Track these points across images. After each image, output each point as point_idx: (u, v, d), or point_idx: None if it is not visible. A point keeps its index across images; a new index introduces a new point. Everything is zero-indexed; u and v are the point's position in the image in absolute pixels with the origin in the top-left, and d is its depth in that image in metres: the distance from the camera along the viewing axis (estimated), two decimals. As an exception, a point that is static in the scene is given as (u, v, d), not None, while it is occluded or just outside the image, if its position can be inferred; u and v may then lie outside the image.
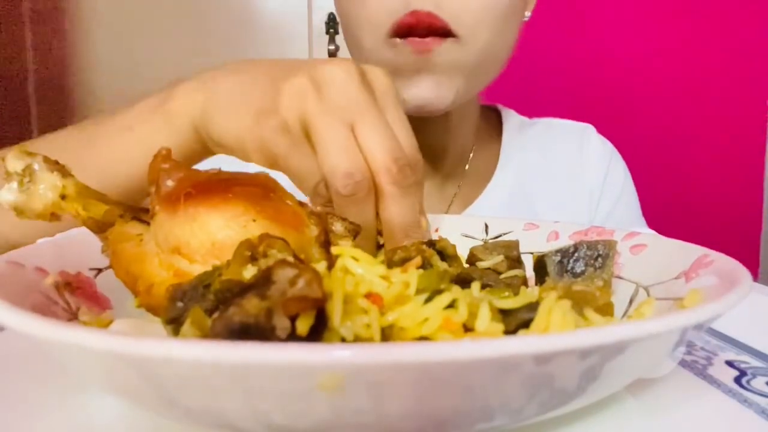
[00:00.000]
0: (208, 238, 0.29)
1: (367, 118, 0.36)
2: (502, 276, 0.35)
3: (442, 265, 0.33)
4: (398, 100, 0.39)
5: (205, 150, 0.45)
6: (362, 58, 0.62)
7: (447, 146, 0.71)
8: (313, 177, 0.36)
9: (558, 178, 0.75)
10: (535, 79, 1.54)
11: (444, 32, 0.56)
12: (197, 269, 0.28)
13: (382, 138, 0.35)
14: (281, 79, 0.38)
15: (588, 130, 0.80)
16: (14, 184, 0.30)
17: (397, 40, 0.58)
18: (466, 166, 0.74)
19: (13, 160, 0.30)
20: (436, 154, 0.71)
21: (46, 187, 0.30)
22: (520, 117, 0.81)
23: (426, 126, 0.64)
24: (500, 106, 0.82)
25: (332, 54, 1.73)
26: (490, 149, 0.76)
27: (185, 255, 0.29)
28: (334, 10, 0.87)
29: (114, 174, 0.44)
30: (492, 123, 0.79)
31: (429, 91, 0.59)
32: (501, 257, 0.36)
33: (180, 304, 0.24)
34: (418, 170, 0.37)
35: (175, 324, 0.24)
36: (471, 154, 0.74)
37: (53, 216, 0.31)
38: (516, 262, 0.37)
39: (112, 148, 0.46)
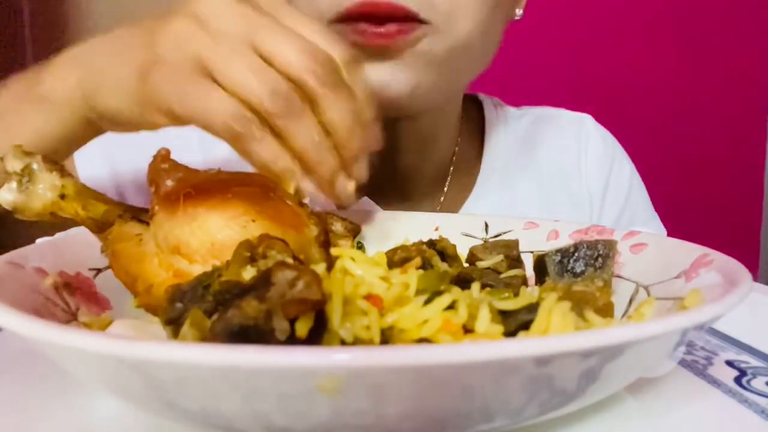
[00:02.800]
0: (207, 238, 0.29)
1: (264, 31, 0.31)
2: (502, 276, 0.35)
3: (443, 266, 0.33)
4: (286, 4, 0.34)
5: (97, 130, 0.40)
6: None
7: (421, 166, 0.61)
8: (224, 108, 0.30)
9: (550, 182, 0.67)
10: (533, 79, 1.54)
11: (410, 18, 0.46)
12: (197, 269, 0.28)
13: (290, 42, 0.31)
14: (158, 29, 0.33)
15: (585, 121, 0.71)
16: (13, 184, 0.30)
17: (346, 27, 0.46)
18: (445, 188, 0.64)
19: (12, 159, 0.30)
20: (408, 175, 0.61)
21: (45, 187, 0.30)
22: (505, 109, 0.71)
23: (396, 141, 0.55)
24: (481, 96, 0.71)
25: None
26: (472, 149, 0.67)
27: (185, 255, 0.29)
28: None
29: None
30: (472, 120, 0.69)
31: (386, 75, 0.48)
32: (501, 257, 0.36)
33: (179, 305, 0.24)
34: (347, 64, 0.33)
35: (174, 325, 0.23)
36: (451, 170, 0.64)
37: (52, 216, 0.31)
38: (516, 261, 0.37)
39: None
